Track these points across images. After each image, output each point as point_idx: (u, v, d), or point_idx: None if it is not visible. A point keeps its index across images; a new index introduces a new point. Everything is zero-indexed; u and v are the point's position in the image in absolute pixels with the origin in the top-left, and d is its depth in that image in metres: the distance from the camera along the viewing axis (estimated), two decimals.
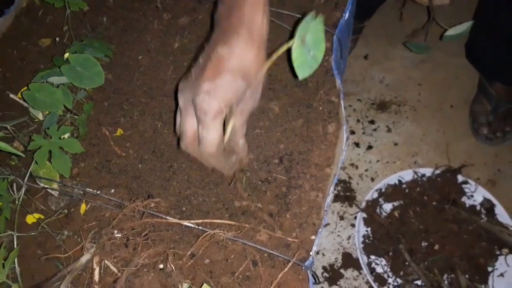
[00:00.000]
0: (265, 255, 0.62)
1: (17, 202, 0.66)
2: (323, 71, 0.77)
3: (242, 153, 0.57)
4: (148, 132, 0.76)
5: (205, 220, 0.61)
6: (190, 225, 0.61)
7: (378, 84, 1.42)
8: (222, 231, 0.59)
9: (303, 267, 0.58)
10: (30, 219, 0.68)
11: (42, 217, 0.69)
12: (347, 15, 0.75)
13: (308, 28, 0.46)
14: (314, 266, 0.67)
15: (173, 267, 0.58)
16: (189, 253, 0.61)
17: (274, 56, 0.48)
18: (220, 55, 0.49)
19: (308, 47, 0.46)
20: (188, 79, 0.52)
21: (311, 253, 0.59)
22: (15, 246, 0.64)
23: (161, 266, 0.60)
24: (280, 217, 0.66)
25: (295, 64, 0.47)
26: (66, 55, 0.70)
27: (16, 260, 0.62)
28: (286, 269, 0.57)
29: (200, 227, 0.62)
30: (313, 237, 0.62)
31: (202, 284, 0.57)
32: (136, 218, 0.64)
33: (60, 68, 0.68)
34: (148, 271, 0.59)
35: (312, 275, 0.60)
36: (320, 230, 0.61)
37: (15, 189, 0.67)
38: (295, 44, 0.46)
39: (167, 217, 0.61)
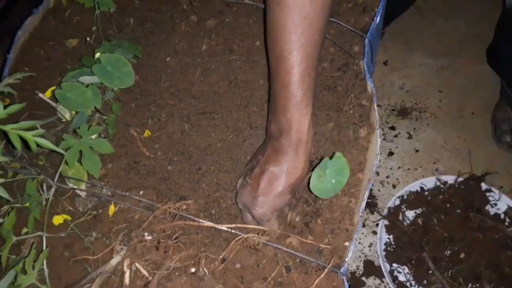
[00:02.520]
0: (297, 261, 0.61)
1: (47, 203, 0.65)
2: (353, 75, 0.76)
3: (297, 225, 0.66)
4: (176, 134, 0.75)
5: (238, 225, 0.60)
6: (224, 228, 0.60)
7: (398, 91, 1.41)
8: (256, 235, 0.58)
9: (339, 274, 0.57)
10: (57, 220, 0.68)
11: (69, 218, 0.68)
12: (378, 19, 0.74)
13: (328, 164, 0.57)
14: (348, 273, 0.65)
15: (206, 271, 0.57)
16: (220, 257, 0.60)
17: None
18: (273, 173, 0.60)
19: (330, 177, 0.58)
20: (245, 188, 0.62)
21: (346, 259, 0.58)
22: (44, 247, 0.63)
23: (193, 269, 0.59)
24: (311, 223, 0.65)
25: (314, 189, 0.58)
26: (97, 54, 0.69)
27: (44, 262, 0.61)
28: (322, 275, 0.56)
29: (232, 231, 0.61)
30: (346, 243, 0.60)
31: None
32: (167, 220, 0.63)
33: (91, 68, 0.68)
34: (180, 275, 0.58)
35: (348, 282, 0.59)
36: (355, 236, 0.60)
37: (45, 189, 0.66)
38: (313, 177, 0.58)
39: (200, 220, 0.60)
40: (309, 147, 0.61)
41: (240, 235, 0.59)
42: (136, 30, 0.87)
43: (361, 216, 0.60)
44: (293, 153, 0.59)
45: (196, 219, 0.61)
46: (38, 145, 0.52)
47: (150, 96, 0.80)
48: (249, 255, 0.62)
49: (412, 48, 1.50)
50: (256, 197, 0.60)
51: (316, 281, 0.55)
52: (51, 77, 0.83)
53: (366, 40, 0.73)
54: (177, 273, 0.58)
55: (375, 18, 0.75)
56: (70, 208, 0.68)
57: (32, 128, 0.50)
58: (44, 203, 0.66)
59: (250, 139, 0.74)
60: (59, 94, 0.66)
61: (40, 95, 0.76)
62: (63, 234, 0.65)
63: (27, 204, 0.66)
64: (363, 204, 0.61)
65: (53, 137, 0.74)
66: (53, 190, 0.65)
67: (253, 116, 0.76)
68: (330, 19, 0.82)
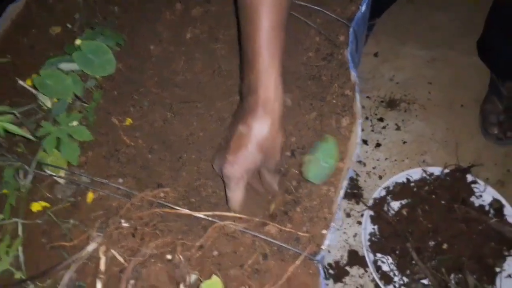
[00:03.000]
0: (274, 248, 0.61)
1: (23, 190, 0.65)
2: (338, 65, 0.76)
3: (278, 195, 0.67)
4: (158, 122, 0.75)
5: (215, 212, 0.60)
6: (200, 216, 0.60)
7: (388, 82, 1.41)
8: (232, 223, 0.58)
9: (315, 261, 0.57)
10: (35, 207, 0.67)
11: (48, 205, 0.68)
12: (363, 8, 0.74)
13: (319, 148, 0.61)
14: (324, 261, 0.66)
15: (182, 258, 0.57)
16: (198, 244, 0.60)
17: None
18: (241, 132, 0.60)
19: (321, 161, 0.60)
20: (219, 152, 0.64)
21: (322, 247, 0.58)
22: (20, 233, 0.63)
23: (169, 257, 0.59)
24: (290, 211, 0.65)
25: (309, 175, 0.62)
26: (78, 41, 0.69)
27: (20, 248, 0.61)
28: (298, 262, 0.56)
29: (210, 219, 0.61)
30: (324, 231, 0.61)
31: (211, 276, 0.56)
32: (145, 208, 0.63)
33: (71, 55, 0.68)
34: (155, 262, 0.58)
35: (323, 270, 0.59)
36: (332, 224, 0.60)
37: (21, 176, 0.66)
38: (304, 163, 0.61)
39: (177, 208, 0.60)
40: (277, 106, 0.60)
41: (218, 222, 0.59)
42: (121, 18, 0.87)
43: (339, 204, 0.60)
44: (261, 112, 0.59)
45: (174, 206, 0.61)
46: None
47: (133, 84, 0.80)
48: (226, 242, 0.62)
49: (404, 40, 1.49)
50: (226, 157, 0.60)
51: (291, 268, 0.56)
52: (34, 65, 0.81)
53: (351, 30, 0.73)
54: (152, 260, 0.58)
55: (360, 7, 0.74)
56: (49, 195, 0.68)
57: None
58: (22, 190, 0.66)
59: None
60: (38, 81, 0.65)
61: (20, 82, 0.75)
62: (39, 221, 0.65)
63: (4, 190, 0.65)
64: (342, 193, 0.61)
65: (33, 125, 0.73)
66: (30, 177, 0.65)
67: (235, 106, 0.76)
68: (316, 7, 0.82)
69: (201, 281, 0.57)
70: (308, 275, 0.58)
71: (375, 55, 1.47)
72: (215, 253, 0.62)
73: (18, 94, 0.79)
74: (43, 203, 0.67)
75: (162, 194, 0.63)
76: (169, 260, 0.59)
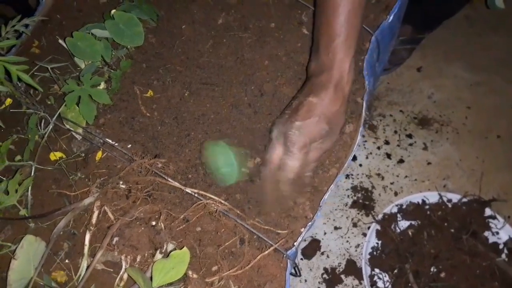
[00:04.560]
0: (254, 237, 0.64)
1: (42, 138, 0.71)
2: (356, 70, 0.76)
3: (307, 183, 0.65)
4: (175, 98, 0.79)
5: (201, 192, 0.63)
6: (188, 191, 0.63)
7: (425, 99, 1.36)
8: (214, 203, 0.61)
9: (284, 255, 0.59)
10: (53, 156, 0.74)
11: (64, 156, 0.74)
12: (391, 18, 0.73)
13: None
14: (298, 258, 0.67)
15: (163, 226, 0.61)
16: (182, 216, 0.63)
17: None
18: (311, 102, 0.60)
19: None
20: (282, 118, 0.63)
21: (295, 244, 0.60)
22: (32, 175, 0.69)
23: (154, 223, 0.63)
24: None
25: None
26: (113, 11, 0.74)
27: (30, 189, 0.67)
28: (266, 252, 0.58)
29: (199, 197, 0.64)
30: (302, 229, 0.62)
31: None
32: (143, 174, 0.67)
33: (104, 22, 0.73)
34: (140, 225, 0.62)
35: (294, 267, 0.61)
36: (310, 224, 0.61)
37: (43, 125, 0.72)
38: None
39: (169, 179, 0.64)
40: (347, 89, 0.62)
41: (203, 200, 0.62)
42: None
43: (320, 206, 0.61)
44: (332, 89, 0.61)
45: (167, 178, 0.65)
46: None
47: (162, 59, 0.84)
48: (210, 221, 0.65)
49: (451, 58, 1.43)
50: (294, 122, 0.60)
51: (259, 256, 0.58)
52: (79, 27, 0.88)
53: (373, 38, 0.73)
54: (138, 223, 0.62)
55: (388, 17, 0.74)
56: (66, 147, 0.74)
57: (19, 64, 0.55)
58: (42, 137, 0.73)
59: (242, 118, 0.76)
60: (70, 42, 0.71)
61: (60, 41, 0.82)
62: (51, 168, 0.71)
63: (28, 136, 0.72)
64: (326, 196, 0.62)
65: (65, 82, 0.79)
66: (50, 127, 0.71)
67: (250, 95, 0.78)
68: None
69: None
70: (277, 268, 0.60)
71: (418, 69, 1.43)
72: (198, 229, 0.65)
73: (60, 53, 0.85)
74: (59, 154, 0.73)
75: (160, 165, 0.66)
76: (152, 226, 0.63)
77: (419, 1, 0.99)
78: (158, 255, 0.59)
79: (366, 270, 1.07)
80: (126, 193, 0.65)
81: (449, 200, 1.13)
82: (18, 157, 0.71)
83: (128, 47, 0.81)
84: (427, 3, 1.21)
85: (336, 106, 0.61)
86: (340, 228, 1.17)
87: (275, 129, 0.63)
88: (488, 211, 1.10)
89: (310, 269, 1.12)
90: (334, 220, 1.19)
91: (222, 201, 0.61)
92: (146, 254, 0.60)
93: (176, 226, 0.64)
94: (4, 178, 0.69)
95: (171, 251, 0.59)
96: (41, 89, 0.66)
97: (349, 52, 0.61)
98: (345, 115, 0.64)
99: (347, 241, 1.15)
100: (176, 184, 0.64)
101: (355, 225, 1.17)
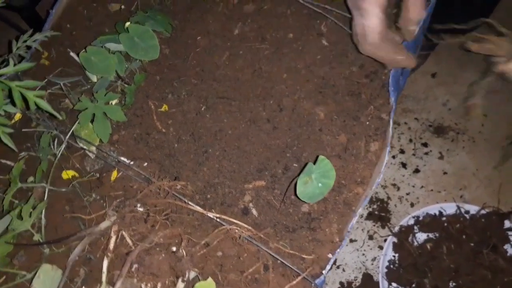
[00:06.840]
0: (278, 262, 0.61)
1: (55, 156, 0.69)
2: (380, 84, 0.73)
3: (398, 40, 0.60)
4: (191, 113, 0.76)
5: (223, 216, 0.60)
6: (210, 215, 0.61)
7: (440, 106, 1.34)
8: (238, 228, 0.58)
9: (313, 284, 0.56)
10: (66, 175, 0.71)
11: (77, 175, 0.71)
12: (417, 29, 0.70)
13: (313, 169, 0.58)
14: (326, 283, 0.64)
15: (185, 253, 0.58)
16: (203, 242, 0.61)
17: None
18: None
19: (316, 181, 0.58)
20: None
21: (323, 272, 0.57)
22: (45, 198, 0.67)
23: (174, 249, 0.60)
24: (299, 229, 0.64)
25: (303, 196, 0.58)
26: (127, 24, 0.71)
27: (43, 212, 0.65)
28: (294, 282, 0.55)
29: (218, 220, 0.61)
30: (329, 255, 0.59)
31: (208, 277, 0.57)
32: (161, 196, 0.64)
33: (118, 36, 0.70)
34: (160, 251, 0.59)
35: None
36: (338, 250, 0.58)
37: (56, 144, 0.70)
38: (299, 184, 0.57)
39: (189, 203, 0.62)
40: None
41: (224, 225, 0.60)
42: (176, 4, 0.88)
43: (348, 231, 0.59)
44: None
45: (186, 201, 0.62)
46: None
47: (176, 71, 0.81)
48: (232, 246, 0.62)
49: (466, 65, 1.40)
50: None
51: (287, 287, 0.55)
52: (90, 37, 0.85)
53: None
54: (158, 249, 0.59)
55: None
56: (79, 166, 0.72)
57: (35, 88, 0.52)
58: (55, 157, 0.70)
59: (260, 134, 0.73)
60: (84, 56, 0.68)
61: (72, 54, 0.79)
62: (63, 189, 0.68)
63: (40, 155, 0.70)
64: (354, 221, 0.60)
65: (77, 95, 0.77)
66: (63, 146, 0.68)
67: (268, 110, 0.75)
68: None
69: (199, 279, 0.58)
70: None
71: (433, 75, 1.40)
72: (219, 253, 0.63)
73: (70, 64, 0.83)
74: (72, 172, 0.71)
75: (179, 186, 0.64)
76: (173, 252, 0.60)
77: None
78: (180, 284, 0.57)
79: (383, 285, 1.05)
80: (145, 217, 0.62)
81: (467, 212, 1.11)
82: (31, 178, 0.68)
83: (142, 59, 0.79)
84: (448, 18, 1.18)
85: None
86: (355, 240, 1.14)
87: (349, 2, 0.58)
88: (507, 223, 1.07)
89: (326, 284, 1.09)
90: (349, 232, 1.16)
91: (246, 226, 0.59)
92: (167, 282, 0.58)
93: (197, 251, 0.61)
94: (16, 201, 0.66)
95: (193, 279, 0.57)
96: (61, 117, 0.63)
97: None
98: None
99: (363, 254, 1.12)
100: (198, 208, 0.61)
101: (371, 237, 1.15)
